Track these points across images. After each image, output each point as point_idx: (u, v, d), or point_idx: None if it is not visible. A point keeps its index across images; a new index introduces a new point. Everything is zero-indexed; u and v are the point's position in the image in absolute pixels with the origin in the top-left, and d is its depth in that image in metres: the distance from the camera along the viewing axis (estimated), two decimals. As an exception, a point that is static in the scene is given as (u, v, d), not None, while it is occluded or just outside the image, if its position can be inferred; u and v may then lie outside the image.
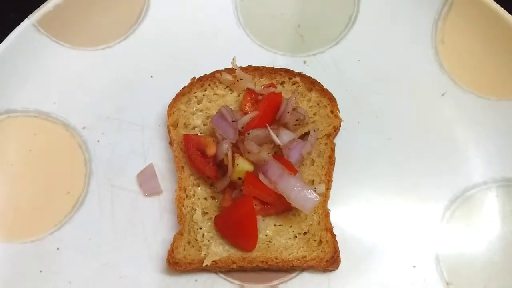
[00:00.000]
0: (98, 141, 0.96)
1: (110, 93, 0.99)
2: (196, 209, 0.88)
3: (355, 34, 1.02)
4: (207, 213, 0.88)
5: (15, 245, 0.88)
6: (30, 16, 0.95)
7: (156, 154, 0.95)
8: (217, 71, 0.96)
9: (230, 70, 0.94)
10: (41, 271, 0.86)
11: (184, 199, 0.88)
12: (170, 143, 0.93)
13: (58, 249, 0.88)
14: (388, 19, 1.02)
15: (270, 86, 0.91)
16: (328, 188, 0.89)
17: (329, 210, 0.88)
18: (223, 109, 0.87)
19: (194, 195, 0.89)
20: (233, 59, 0.92)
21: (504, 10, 0.94)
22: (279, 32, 1.03)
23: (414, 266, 0.86)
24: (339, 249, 0.85)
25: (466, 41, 0.99)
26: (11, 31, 0.96)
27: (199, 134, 0.92)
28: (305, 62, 1.01)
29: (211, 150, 0.87)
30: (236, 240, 0.85)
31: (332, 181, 0.90)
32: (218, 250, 0.85)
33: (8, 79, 0.95)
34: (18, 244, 0.88)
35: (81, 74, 1.00)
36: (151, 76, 1.01)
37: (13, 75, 0.96)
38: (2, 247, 0.87)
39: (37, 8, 0.97)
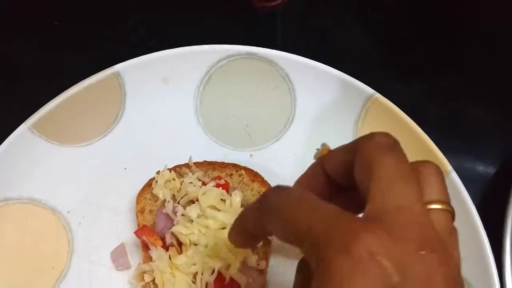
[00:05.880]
0: (79, 224, 1.13)
1: (90, 183, 1.16)
2: (157, 283, 1.03)
3: (292, 133, 1.20)
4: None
5: (8, 314, 1.03)
6: (26, 121, 1.12)
7: (127, 235, 1.11)
8: (177, 166, 1.12)
9: (188, 165, 1.12)
10: (28, 336, 1.01)
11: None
12: (138, 225, 1.10)
13: (43, 316, 1.03)
14: (319, 120, 1.19)
15: (216, 178, 1.09)
16: (266, 265, 1.04)
17: None
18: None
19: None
20: (190, 158, 1.11)
21: (406, 116, 1.11)
22: (231, 130, 1.20)
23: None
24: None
25: (379, 139, 1.16)
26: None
27: (161, 219, 1.09)
28: (251, 155, 1.19)
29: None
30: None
31: (269, 259, 1.06)
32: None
33: (6, 172, 1.12)
34: (10, 313, 1.03)
35: (67, 166, 1.16)
36: (125, 168, 1.18)
37: (10, 168, 1.12)
38: (-3, 317, 1.03)
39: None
